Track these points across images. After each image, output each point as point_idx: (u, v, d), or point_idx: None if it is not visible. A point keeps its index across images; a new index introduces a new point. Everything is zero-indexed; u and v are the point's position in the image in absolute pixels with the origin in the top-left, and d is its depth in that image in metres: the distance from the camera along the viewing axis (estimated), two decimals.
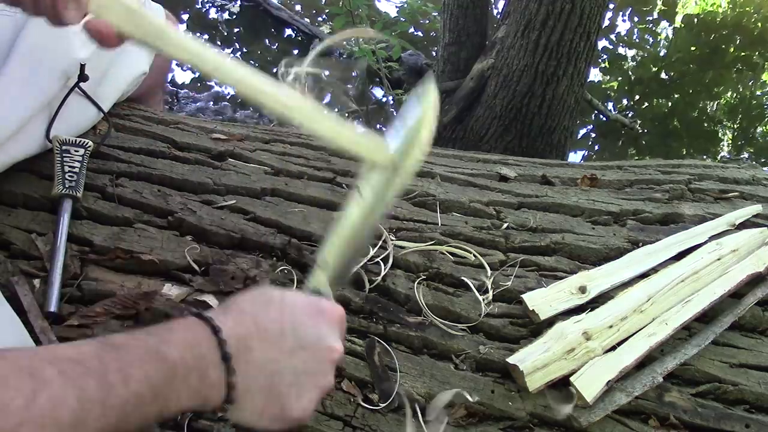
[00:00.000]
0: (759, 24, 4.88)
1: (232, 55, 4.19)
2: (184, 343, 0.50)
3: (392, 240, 0.93)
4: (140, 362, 0.47)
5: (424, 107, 0.68)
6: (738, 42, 4.74)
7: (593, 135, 4.01)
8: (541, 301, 0.88)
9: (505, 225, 1.02)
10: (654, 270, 0.96)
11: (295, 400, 0.56)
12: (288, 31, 4.37)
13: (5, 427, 0.38)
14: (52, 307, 0.74)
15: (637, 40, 4.75)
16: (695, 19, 4.91)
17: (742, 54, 4.67)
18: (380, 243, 0.92)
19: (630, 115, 4.10)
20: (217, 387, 0.52)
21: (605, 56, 4.54)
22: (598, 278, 0.92)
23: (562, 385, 0.80)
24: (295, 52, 4.24)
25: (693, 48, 4.66)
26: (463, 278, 0.91)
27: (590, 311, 0.87)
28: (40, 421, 0.40)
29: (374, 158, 0.69)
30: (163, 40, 0.59)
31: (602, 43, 4.51)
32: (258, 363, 0.54)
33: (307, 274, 0.67)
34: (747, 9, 5.00)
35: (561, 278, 0.93)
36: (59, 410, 0.41)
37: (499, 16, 3.13)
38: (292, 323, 0.57)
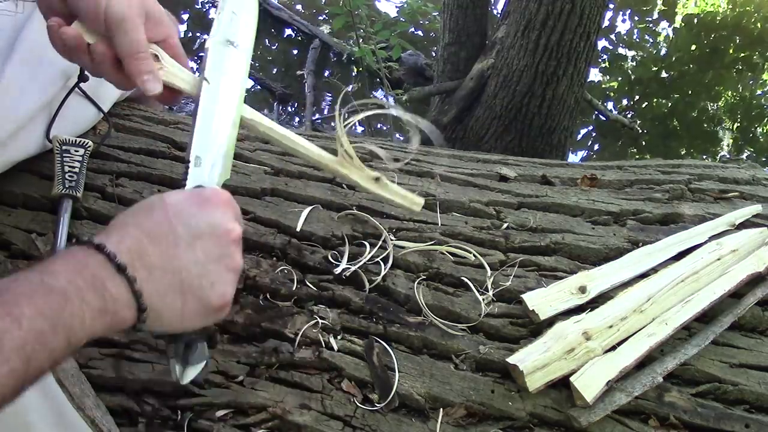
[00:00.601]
0: (759, 24, 4.88)
1: None
2: (69, 269, 0.49)
3: (392, 240, 0.93)
4: (27, 299, 0.45)
5: None
6: (738, 42, 4.74)
7: (593, 135, 4.01)
8: (541, 301, 0.88)
9: (505, 225, 1.02)
10: (654, 270, 0.96)
11: (210, 289, 0.56)
12: (288, 31, 4.37)
13: None
14: None
15: (637, 40, 4.75)
16: (695, 19, 4.91)
17: (742, 54, 4.67)
18: (380, 243, 0.92)
19: (630, 115, 4.10)
20: (122, 300, 0.51)
21: (605, 56, 4.54)
22: (598, 278, 0.92)
23: (562, 385, 0.80)
24: (295, 52, 4.24)
25: (693, 48, 4.67)
26: (463, 278, 0.91)
27: (590, 311, 0.87)
28: None
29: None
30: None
31: (602, 43, 4.51)
32: (158, 265, 0.53)
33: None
34: (747, 9, 5.00)
35: (561, 278, 0.93)
36: None
37: (499, 16, 3.13)
38: (180, 218, 0.56)
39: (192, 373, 0.64)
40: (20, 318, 0.44)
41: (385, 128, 3.56)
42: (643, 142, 3.94)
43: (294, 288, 0.85)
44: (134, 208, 0.58)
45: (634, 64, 4.54)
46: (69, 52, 0.64)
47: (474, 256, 0.94)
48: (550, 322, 0.86)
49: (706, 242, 1.01)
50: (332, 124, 3.77)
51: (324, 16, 4.59)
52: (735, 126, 4.16)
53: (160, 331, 0.57)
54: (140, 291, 0.52)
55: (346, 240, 0.92)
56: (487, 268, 0.92)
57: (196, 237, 0.56)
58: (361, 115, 0.82)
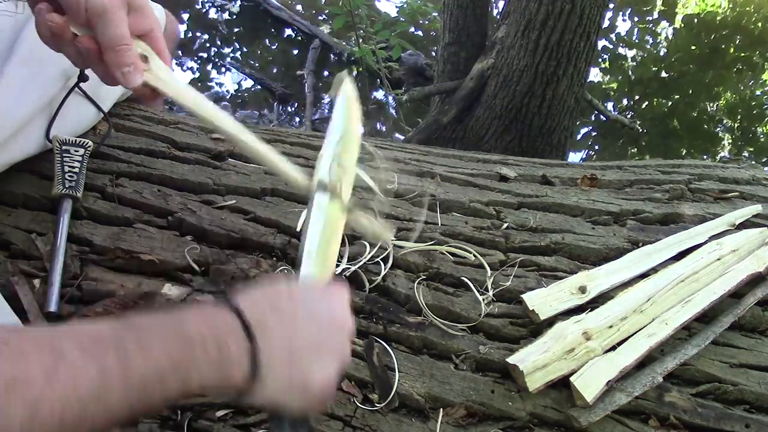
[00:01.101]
0: (759, 24, 4.88)
1: (232, 56, 4.19)
2: (201, 319, 0.51)
3: (392, 240, 0.93)
4: (159, 337, 0.47)
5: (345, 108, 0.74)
6: (738, 42, 4.74)
7: (593, 135, 4.01)
8: (541, 301, 0.88)
9: (505, 225, 1.02)
10: (654, 270, 0.95)
11: (317, 370, 0.57)
12: (288, 31, 4.37)
13: (27, 398, 0.39)
14: (52, 307, 0.74)
15: (637, 40, 4.75)
16: (695, 19, 4.91)
17: (742, 54, 4.67)
18: (380, 243, 0.92)
19: (630, 115, 4.10)
20: (237, 361, 0.52)
21: (605, 56, 4.54)
22: (598, 278, 0.92)
23: (562, 385, 0.80)
24: (295, 52, 4.24)
25: (693, 48, 4.67)
26: (463, 278, 0.91)
27: (590, 311, 0.87)
28: (60, 393, 0.40)
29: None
30: (194, 105, 0.68)
31: (602, 43, 4.51)
32: (276, 338, 0.55)
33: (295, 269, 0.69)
34: (747, 9, 5.00)
35: (561, 278, 0.93)
36: (79, 383, 0.41)
37: (499, 16, 3.13)
38: (304, 303, 0.59)
39: None
40: (148, 353, 0.46)
41: (384, 128, 3.56)
42: (643, 142, 3.94)
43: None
44: (262, 285, 0.60)
45: (634, 64, 4.54)
46: (56, 41, 0.63)
47: (474, 256, 0.94)
48: (550, 322, 0.86)
49: (706, 242, 1.01)
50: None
51: (324, 16, 4.59)
52: (735, 126, 4.16)
53: (256, 401, 0.57)
54: (257, 353, 0.53)
55: (346, 240, 0.92)
56: (487, 268, 0.92)
57: (315, 322, 0.58)
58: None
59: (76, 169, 0.86)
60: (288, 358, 0.56)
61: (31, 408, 0.39)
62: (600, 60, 4.45)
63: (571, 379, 0.78)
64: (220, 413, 0.73)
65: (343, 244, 0.92)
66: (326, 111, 3.85)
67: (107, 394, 0.43)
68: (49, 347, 0.42)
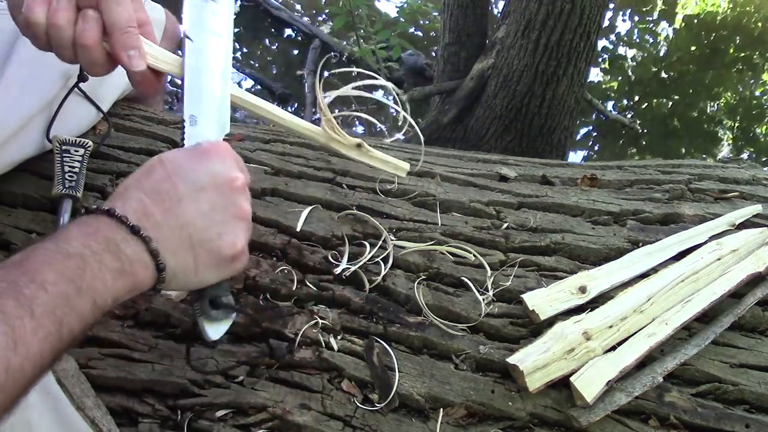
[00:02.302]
0: (759, 24, 4.88)
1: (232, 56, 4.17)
2: (82, 234, 0.50)
3: (392, 240, 0.93)
4: (47, 266, 0.46)
5: None
6: (738, 42, 4.74)
7: (593, 135, 4.01)
8: (541, 301, 0.88)
9: (505, 225, 1.02)
10: (654, 270, 0.95)
11: (218, 239, 0.56)
12: (288, 31, 4.37)
13: None
14: None
15: (637, 40, 4.75)
16: (695, 20, 4.91)
17: (742, 54, 4.67)
18: (380, 243, 0.92)
19: (630, 115, 4.10)
20: (139, 261, 0.52)
21: (605, 56, 4.54)
22: (598, 278, 0.92)
23: (562, 385, 0.80)
24: (295, 52, 4.24)
25: (693, 48, 4.67)
26: (463, 278, 0.91)
27: (590, 311, 0.87)
28: None
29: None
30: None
31: (602, 43, 4.51)
32: (164, 223, 0.54)
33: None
34: (747, 9, 5.00)
35: (561, 278, 0.93)
36: None
37: (499, 16, 3.13)
38: (179, 174, 0.56)
39: (220, 329, 0.63)
40: (44, 283, 0.44)
41: (384, 128, 3.56)
42: (643, 142, 3.94)
43: (294, 288, 0.85)
44: (135, 172, 0.58)
45: (634, 64, 4.54)
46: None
47: (474, 256, 0.94)
48: (550, 322, 0.86)
49: (706, 242, 1.00)
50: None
51: (324, 16, 4.59)
52: (735, 126, 4.16)
53: (176, 289, 0.58)
54: (156, 250, 0.52)
55: (346, 240, 0.92)
56: (487, 268, 0.92)
57: (198, 190, 0.56)
58: (349, 87, 0.81)
59: (76, 169, 0.86)
60: (188, 242, 0.55)
61: None
62: (600, 60, 4.45)
63: (571, 379, 0.78)
64: (220, 413, 0.73)
65: (342, 243, 0.92)
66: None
67: (23, 337, 0.41)
68: None
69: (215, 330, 0.63)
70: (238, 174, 0.60)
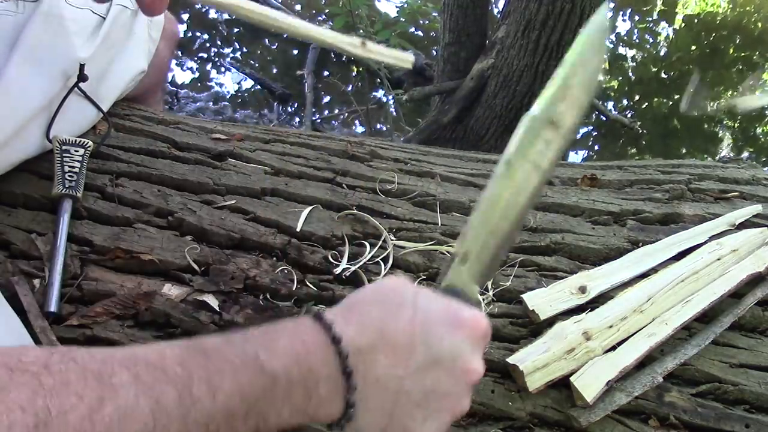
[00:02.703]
0: (759, 24, 4.88)
1: (232, 56, 4.19)
2: (290, 353, 0.43)
3: (392, 240, 0.93)
4: (233, 371, 0.40)
5: (587, 38, 0.56)
6: (738, 42, 4.74)
7: (593, 135, 4.01)
8: (541, 301, 0.88)
9: None
10: (654, 270, 0.95)
11: (420, 424, 0.48)
12: None
13: None
14: (52, 307, 0.74)
15: (637, 40, 4.75)
16: (695, 19, 4.91)
17: (742, 54, 4.67)
18: (380, 243, 0.92)
19: (630, 115, 4.10)
20: (328, 404, 0.45)
21: (605, 56, 4.53)
22: (598, 278, 0.92)
23: (562, 385, 0.80)
24: (295, 52, 4.24)
25: (693, 48, 4.66)
26: None
27: (590, 311, 0.87)
28: None
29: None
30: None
31: None
32: (381, 380, 0.46)
33: (442, 272, 0.56)
34: (747, 9, 5.00)
35: (561, 278, 0.93)
36: (127, 423, 0.35)
37: (499, 16, 3.13)
38: (425, 334, 0.48)
39: None
40: (216, 391, 0.39)
41: (384, 128, 3.56)
42: (643, 142, 3.94)
43: (294, 288, 0.85)
44: (385, 291, 0.49)
45: (634, 64, 4.54)
46: None
47: None
48: (550, 322, 0.86)
49: (706, 242, 1.00)
50: (333, 123, 3.78)
51: (324, 16, 4.59)
52: (735, 126, 4.16)
53: None
54: (354, 403, 0.45)
55: (346, 240, 0.92)
56: None
57: (433, 363, 0.48)
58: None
59: (76, 169, 0.86)
60: (390, 407, 0.47)
61: None
62: None
63: (571, 379, 0.78)
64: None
65: (342, 243, 0.92)
66: (326, 112, 3.85)
67: None
68: (97, 375, 0.35)
69: None
70: (479, 366, 0.51)
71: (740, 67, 4.55)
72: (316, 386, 0.43)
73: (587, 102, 0.56)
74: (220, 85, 3.94)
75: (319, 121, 3.68)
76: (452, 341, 0.48)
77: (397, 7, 4.01)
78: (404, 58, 0.80)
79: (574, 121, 0.55)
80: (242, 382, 0.40)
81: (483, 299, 0.88)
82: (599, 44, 0.57)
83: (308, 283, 0.86)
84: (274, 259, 0.88)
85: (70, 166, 0.86)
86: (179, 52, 3.92)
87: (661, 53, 4.66)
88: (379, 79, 3.05)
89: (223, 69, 4.05)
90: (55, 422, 0.32)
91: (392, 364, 0.46)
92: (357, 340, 0.45)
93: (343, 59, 4.06)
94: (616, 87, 4.39)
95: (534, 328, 0.87)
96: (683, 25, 4.87)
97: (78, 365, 0.36)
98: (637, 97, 4.32)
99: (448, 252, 0.94)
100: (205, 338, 0.42)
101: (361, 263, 0.88)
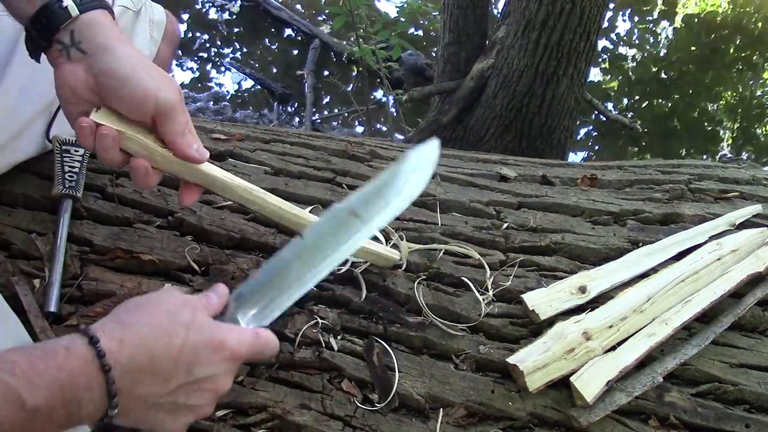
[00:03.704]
0: (759, 24, 4.88)
1: (232, 56, 4.18)
2: (55, 385, 0.46)
3: (392, 240, 0.93)
4: None
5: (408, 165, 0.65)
6: (738, 42, 4.74)
7: (593, 135, 4.01)
8: (541, 301, 0.88)
9: (505, 225, 1.02)
10: (654, 270, 0.96)
11: (167, 425, 0.56)
12: (288, 31, 4.37)
13: None
14: (52, 307, 0.74)
15: (637, 41, 4.76)
16: (695, 19, 4.91)
17: (742, 54, 4.67)
18: (392, 243, 0.92)
19: (630, 115, 4.10)
20: (88, 417, 0.49)
21: (605, 56, 4.54)
22: (598, 278, 0.92)
23: (562, 385, 0.80)
24: (295, 52, 4.24)
25: (693, 48, 4.67)
26: (463, 278, 0.91)
27: (590, 311, 0.87)
28: None
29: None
30: (189, 172, 0.71)
31: (602, 43, 4.51)
32: (141, 397, 0.52)
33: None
34: (747, 9, 5.01)
35: (561, 278, 0.93)
36: None
37: (499, 16, 3.13)
38: (188, 362, 0.55)
39: None
40: None
41: (384, 128, 3.56)
42: (643, 142, 3.94)
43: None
44: (159, 317, 0.55)
45: (634, 64, 4.54)
46: (106, 150, 0.65)
47: (472, 256, 0.94)
48: (550, 322, 0.86)
49: (706, 242, 1.01)
50: (333, 123, 3.78)
51: (324, 16, 4.59)
52: (735, 126, 4.16)
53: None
54: (111, 417, 0.50)
55: None
56: (487, 268, 0.92)
57: (188, 383, 0.55)
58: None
59: (76, 169, 0.86)
60: (143, 412, 0.54)
61: None
62: (600, 60, 4.45)
63: (571, 379, 0.78)
64: (220, 413, 0.73)
65: None
66: (326, 112, 3.85)
67: None
68: None
69: None
70: (228, 385, 0.59)
71: (740, 67, 4.55)
72: (78, 409, 0.48)
73: (400, 209, 0.65)
74: (220, 85, 3.95)
75: (319, 121, 3.68)
76: (211, 367, 0.56)
77: (397, 7, 4.01)
78: (389, 257, 0.82)
79: (381, 222, 0.65)
80: (1, 420, 0.43)
81: (483, 299, 0.88)
82: (428, 167, 0.67)
83: None
84: None
85: (70, 166, 0.86)
86: (180, 52, 3.92)
87: (661, 53, 4.66)
88: (379, 79, 3.05)
89: (223, 69, 4.05)
90: None
91: (154, 384, 0.53)
92: (127, 365, 0.50)
93: (344, 59, 4.06)
94: (616, 87, 4.40)
95: (534, 328, 0.87)
96: (683, 25, 4.87)
97: None
98: (637, 97, 4.32)
99: (447, 251, 0.94)
100: None
101: (362, 268, 0.88)
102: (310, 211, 0.95)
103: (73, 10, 0.64)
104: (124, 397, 0.51)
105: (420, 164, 0.66)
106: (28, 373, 0.46)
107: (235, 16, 4.46)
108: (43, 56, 0.68)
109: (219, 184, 0.74)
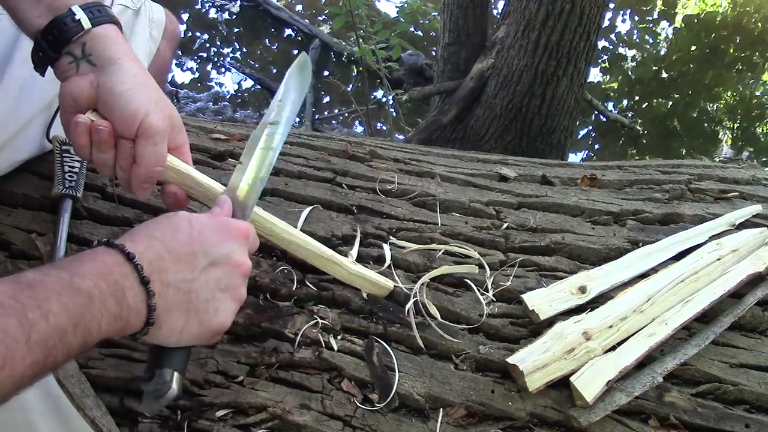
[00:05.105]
0: (759, 24, 4.88)
1: (232, 56, 4.19)
2: (96, 272, 0.51)
3: (392, 240, 0.93)
4: (57, 296, 0.47)
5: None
6: (738, 42, 4.74)
7: (593, 135, 4.01)
8: (541, 301, 0.88)
9: (505, 225, 1.02)
10: (654, 270, 0.95)
11: (212, 315, 0.59)
12: (288, 31, 4.38)
13: None
14: None
15: (637, 40, 4.76)
16: (695, 19, 4.91)
17: (742, 54, 4.67)
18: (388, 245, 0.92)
19: (630, 115, 4.10)
20: (135, 310, 0.53)
21: (605, 56, 4.54)
22: (598, 278, 0.92)
23: (562, 385, 0.80)
24: (295, 52, 4.24)
25: (693, 48, 4.67)
26: (463, 278, 0.91)
27: (590, 311, 0.87)
28: None
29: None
30: (210, 198, 0.72)
31: (602, 43, 4.51)
32: (173, 284, 0.56)
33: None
34: (747, 9, 5.01)
35: (561, 278, 0.93)
36: None
37: (499, 16, 3.13)
38: (202, 243, 0.59)
39: (153, 406, 0.61)
40: (48, 313, 0.46)
41: (385, 128, 3.56)
42: (643, 142, 3.94)
43: (294, 288, 0.85)
44: (161, 220, 0.60)
45: (634, 64, 4.55)
46: (95, 146, 0.66)
47: (472, 256, 0.94)
48: (550, 322, 0.86)
49: (706, 242, 1.00)
50: (333, 123, 3.78)
51: (324, 16, 4.59)
52: (735, 126, 4.17)
53: (153, 341, 0.58)
54: (154, 306, 0.54)
55: (347, 240, 0.92)
56: (487, 268, 0.92)
57: (212, 264, 0.59)
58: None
59: (76, 169, 0.86)
60: (185, 307, 0.57)
61: None
62: (600, 60, 4.45)
63: (571, 379, 0.78)
64: (220, 413, 0.73)
65: (343, 243, 0.92)
66: (326, 112, 3.85)
67: (13, 360, 0.43)
68: None
69: (149, 405, 0.61)
70: (247, 260, 0.64)
71: (740, 67, 4.55)
72: (123, 296, 0.52)
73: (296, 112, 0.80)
74: (220, 85, 3.95)
75: (319, 121, 3.68)
76: (224, 245, 0.61)
77: (397, 7, 4.01)
78: (383, 285, 0.82)
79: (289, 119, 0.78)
80: (66, 303, 0.48)
81: (483, 299, 0.88)
82: (306, 73, 0.80)
83: (308, 283, 0.86)
84: (274, 258, 0.89)
85: (70, 166, 0.86)
86: (180, 52, 3.92)
87: (661, 53, 4.66)
88: (379, 79, 3.05)
89: (223, 69, 4.05)
90: None
91: (179, 270, 0.57)
92: (146, 255, 0.55)
93: (343, 59, 4.07)
94: (616, 87, 4.40)
95: (534, 328, 0.87)
96: (683, 25, 4.87)
97: None
98: (637, 97, 4.32)
99: (446, 251, 0.94)
100: (25, 273, 0.49)
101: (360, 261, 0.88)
102: (310, 212, 0.95)
103: (86, 23, 0.65)
104: (157, 285, 0.54)
105: (301, 69, 0.80)
106: (71, 267, 0.50)
107: (235, 16, 4.46)
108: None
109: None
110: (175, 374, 0.60)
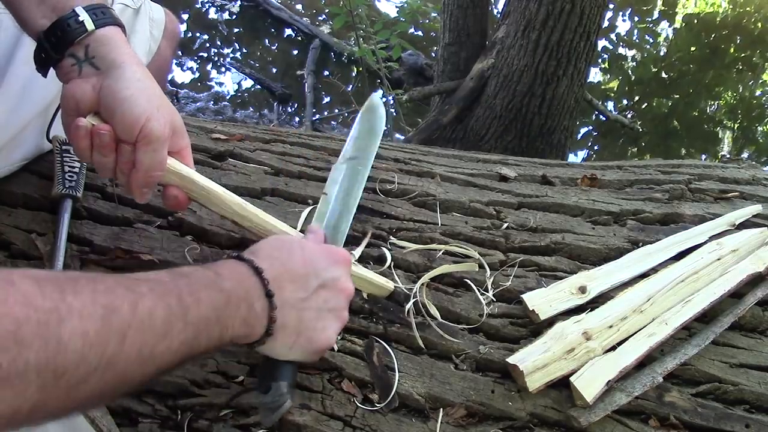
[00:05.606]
0: (759, 24, 4.88)
1: (232, 56, 4.18)
2: (234, 278, 0.57)
3: (392, 240, 0.93)
4: (205, 288, 0.53)
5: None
6: (738, 42, 4.74)
7: (593, 135, 4.01)
8: (541, 301, 0.88)
9: (505, 225, 1.02)
10: (654, 270, 0.95)
11: (320, 332, 0.65)
12: (288, 31, 4.38)
13: (117, 327, 0.44)
14: None
15: (637, 40, 4.76)
16: (695, 19, 4.91)
17: (742, 54, 4.67)
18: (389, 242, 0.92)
19: (630, 115, 4.10)
20: (260, 319, 0.59)
21: (605, 56, 4.54)
22: (598, 278, 0.92)
23: (562, 385, 0.80)
24: (295, 52, 4.24)
25: (693, 48, 4.67)
26: (463, 278, 0.91)
27: (590, 311, 0.87)
28: (140, 326, 0.46)
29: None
30: (211, 200, 0.74)
31: (602, 43, 4.51)
32: (289, 301, 0.62)
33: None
34: (747, 9, 5.01)
35: (561, 278, 0.93)
36: (154, 319, 0.47)
37: (499, 16, 3.13)
38: (313, 267, 0.65)
39: (272, 416, 0.66)
40: (199, 301, 0.52)
41: (384, 128, 3.55)
42: (643, 142, 3.94)
43: None
44: (275, 243, 0.66)
45: (634, 64, 4.55)
46: (97, 151, 0.66)
47: (472, 256, 0.94)
48: (550, 322, 0.86)
49: (706, 242, 1.01)
50: (333, 123, 3.78)
51: (324, 16, 4.59)
52: (735, 126, 4.17)
53: (264, 353, 0.64)
54: (275, 318, 0.60)
55: (347, 240, 0.92)
56: (487, 268, 0.92)
57: (321, 286, 0.65)
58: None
59: (76, 169, 0.86)
60: (298, 321, 0.63)
61: (120, 336, 0.44)
62: (600, 60, 4.45)
63: (571, 379, 0.78)
64: (220, 413, 0.73)
65: (344, 244, 0.92)
66: (326, 112, 3.85)
67: (171, 332, 0.48)
68: (127, 286, 0.47)
69: (266, 417, 0.67)
70: (351, 286, 0.70)
71: (740, 67, 4.55)
72: (252, 304, 0.58)
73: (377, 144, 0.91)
74: (220, 85, 3.95)
75: (319, 121, 3.68)
76: (331, 269, 0.67)
77: (397, 7, 4.01)
78: (383, 286, 0.82)
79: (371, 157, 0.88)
80: (212, 296, 0.53)
81: (483, 299, 0.88)
82: (380, 109, 0.95)
83: None
84: None
85: (70, 166, 0.86)
86: (180, 52, 3.92)
87: (661, 53, 4.67)
88: (379, 79, 3.05)
89: (223, 69, 4.05)
90: (113, 314, 0.44)
91: (295, 290, 0.63)
92: (269, 272, 0.60)
93: (344, 59, 4.07)
94: (616, 87, 4.40)
95: (534, 328, 0.87)
96: (683, 25, 4.87)
97: (113, 279, 0.48)
98: (637, 97, 4.32)
99: (446, 251, 0.94)
100: (180, 268, 0.55)
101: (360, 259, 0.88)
102: (310, 212, 0.95)
103: (89, 25, 0.65)
104: (278, 300, 0.60)
105: (374, 110, 0.93)
106: (213, 268, 0.58)
107: (235, 16, 4.47)
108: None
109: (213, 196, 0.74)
110: (289, 387, 0.66)
